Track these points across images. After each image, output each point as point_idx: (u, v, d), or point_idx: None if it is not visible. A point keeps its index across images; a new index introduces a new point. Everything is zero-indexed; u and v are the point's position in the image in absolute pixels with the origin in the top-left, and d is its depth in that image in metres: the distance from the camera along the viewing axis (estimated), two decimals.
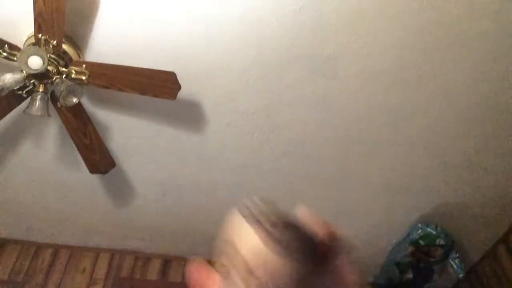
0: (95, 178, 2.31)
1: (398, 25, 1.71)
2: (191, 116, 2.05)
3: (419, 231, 2.54)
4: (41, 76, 1.64)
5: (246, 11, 1.67)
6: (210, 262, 0.77)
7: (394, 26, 1.71)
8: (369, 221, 2.61)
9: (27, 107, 1.66)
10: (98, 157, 1.99)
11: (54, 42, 1.58)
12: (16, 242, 2.78)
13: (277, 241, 0.64)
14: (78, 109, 1.79)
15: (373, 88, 1.93)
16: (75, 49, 1.74)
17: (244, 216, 0.69)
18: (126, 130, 2.11)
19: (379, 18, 1.69)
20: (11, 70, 1.61)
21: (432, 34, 1.74)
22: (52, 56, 1.62)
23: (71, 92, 1.68)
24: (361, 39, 1.75)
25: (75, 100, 1.70)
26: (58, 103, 1.72)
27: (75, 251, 2.82)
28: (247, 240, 0.66)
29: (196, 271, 0.77)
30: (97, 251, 2.86)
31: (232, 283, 0.64)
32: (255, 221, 0.68)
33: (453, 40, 1.77)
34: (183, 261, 2.91)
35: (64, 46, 1.68)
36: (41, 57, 1.54)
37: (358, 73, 1.87)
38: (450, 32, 1.74)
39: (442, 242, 2.52)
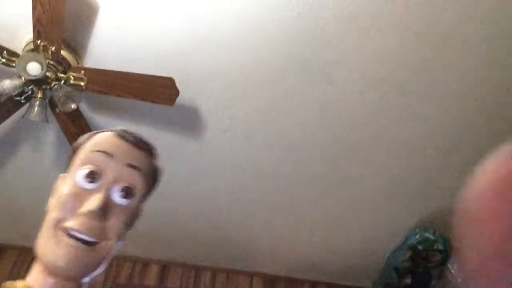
0: None
1: (395, 31, 1.72)
2: (189, 122, 2.05)
3: (417, 236, 2.53)
4: (40, 82, 1.65)
5: (244, 17, 1.68)
6: None
7: (391, 32, 1.72)
8: (367, 226, 2.61)
9: (26, 113, 1.67)
10: None
11: (53, 48, 1.58)
12: (14, 247, 2.77)
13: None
14: (76, 114, 1.79)
15: (370, 93, 1.94)
16: (73, 55, 1.75)
17: None
18: None
19: (376, 24, 1.70)
20: (9, 76, 1.62)
21: (429, 40, 1.75)
22: (51, 62, 1.63)
23: (69, 98, 1.68)
24: (357, 45, 1.76)
25: (73, 106, 1.71)
26: (57, 109, 1.73)
27: None
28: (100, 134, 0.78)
29: None
30: None
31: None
32: None
33: (450, 46, 1.78)
34: (180, 266, 2.90)
35: (63, 52, 1.69)
36: (40, 63, 1.54)
37: (355, 78, 1.88)
38: (447, 38, 1.75)
39: (440, 247, 2.52)
